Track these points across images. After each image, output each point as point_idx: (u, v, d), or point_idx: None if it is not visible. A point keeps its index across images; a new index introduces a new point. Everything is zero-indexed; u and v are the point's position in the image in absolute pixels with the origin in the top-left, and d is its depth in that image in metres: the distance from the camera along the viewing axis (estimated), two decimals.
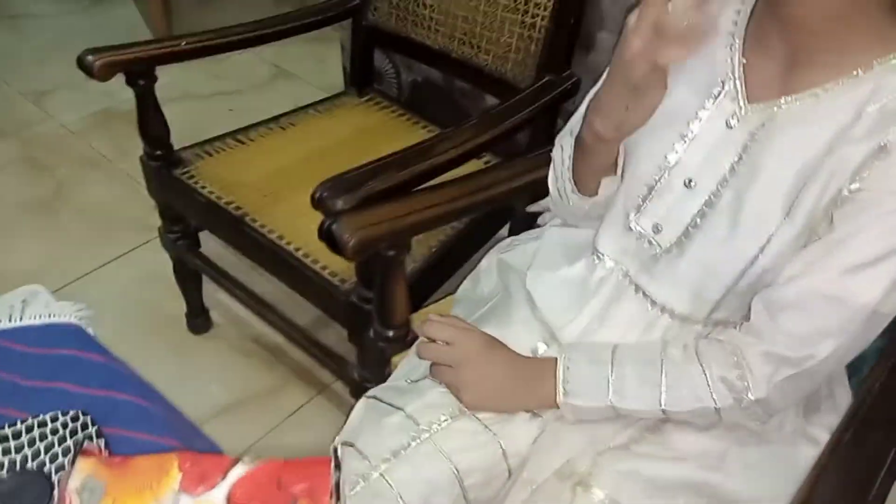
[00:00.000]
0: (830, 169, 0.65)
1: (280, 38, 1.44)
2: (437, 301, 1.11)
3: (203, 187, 1.29)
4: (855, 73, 0.64)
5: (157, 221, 1.43)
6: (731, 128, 0.71)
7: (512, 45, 1.32)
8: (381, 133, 1.47)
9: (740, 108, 0.70)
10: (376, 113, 1.53)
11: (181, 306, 1.57)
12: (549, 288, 0.83)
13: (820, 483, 0.67)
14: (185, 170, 1.32)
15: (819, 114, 0.66)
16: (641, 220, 0.76)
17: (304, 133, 1.44)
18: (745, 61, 0.71)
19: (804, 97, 0.67)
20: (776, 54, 0.68)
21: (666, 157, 0.73)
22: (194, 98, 2.26)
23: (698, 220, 0.72)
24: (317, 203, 0.91)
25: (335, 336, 1.29)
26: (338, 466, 0.52)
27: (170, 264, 1.49)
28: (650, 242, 0.76)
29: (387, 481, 0.72)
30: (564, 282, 0.82)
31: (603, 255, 0.80)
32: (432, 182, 0.99)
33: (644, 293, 0.77)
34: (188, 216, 1.39)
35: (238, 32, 1.39)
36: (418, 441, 0.74)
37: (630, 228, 0.77)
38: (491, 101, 1.47)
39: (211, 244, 1.44)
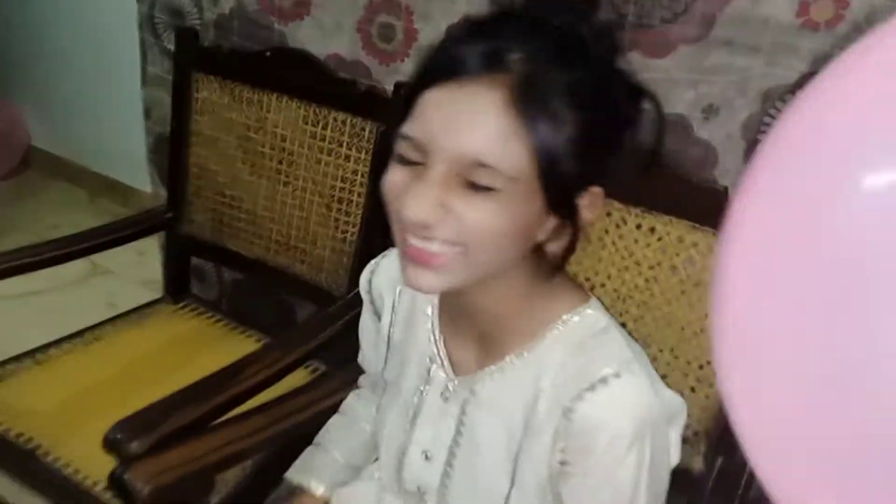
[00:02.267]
0: (532, 440, 0.69)
1: (92, 253, 1.43)
2: None
3: None
4: (542, 333, 0.70)
5: None
6: (447, 400, 0.76)
7: (325, 257, 1.39)
8: (195, 344, 1.45)
9: (450, 381, 0.76)
10: (192, 321, 1.51)
11: None
12: None
13: None
14: None
15: (509, 388, 0.71)
16: (406, 484, 0.81)
17: (110, 348, 1.39)
18: (443, 338, 0.77)
19: (499, 368, 0.72)
20: (468, 331, 0.74)
21: (405, 431, 0.79)
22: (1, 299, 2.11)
23: (444, 489, 0.77)
24: (109, 446, 0.87)
25: None
26: None
27: None
28: (422, 501, 0.81)
29: None
30: None
31: None
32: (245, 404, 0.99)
33: None
34: None
35: (45, 250, 1.36)
36: None
37: (404, 490, 0.82)
38: (312, 309, 1.51)
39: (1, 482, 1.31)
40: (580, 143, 0.59)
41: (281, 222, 1.42)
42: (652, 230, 1.03)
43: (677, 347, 1.05)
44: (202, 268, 1.79)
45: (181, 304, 1.55)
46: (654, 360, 1.06)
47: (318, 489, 0.89)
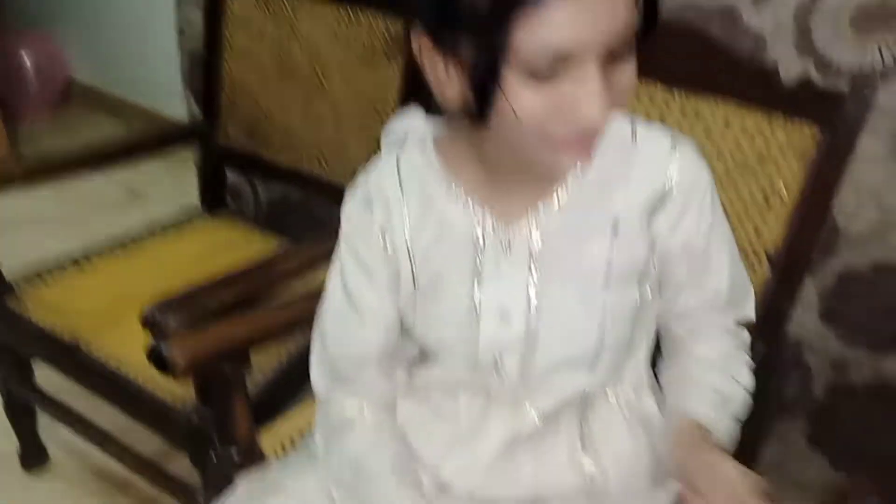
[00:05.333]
0: (625, 243, 0.72)
1: (128, 162, 1.43)
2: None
3: (36, 317, 1.22)
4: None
5: None
6: (508, 252, 0.72)
7: (359, 166, 1.37)
8: (232, 251, 1.45)
9: (505, 232, 0.72)
10: (229, 232, 1.52)
11: (13, 442, 1.43)
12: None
13: None
14: (17, 299, 1.24)
15: (576, 213, 0.71)
16: (479, 361, 0.75)
17: (149, 255, 1.41)
18: (479, 198, 0.72)
19: (554, 195, 0.71)
20: (508, 181, 0.71)
21: (469, 308, 0.74)
22: (40, 223, 2.15)
23: (530, 346, 0.73)
24: (147, 324, 0.88)
25: (183, 465, 1.21)
26: None
27: None
28: (497, 373, 0.76)
29: None
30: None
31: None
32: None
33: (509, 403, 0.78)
34: (19, 347, 1.30)
35: (84, 156, 1.36)
36: None
37: (474, 370, 0.76)
38: None
39: (46, 373, 1.35)
40: None
41: (315, 132, 1.40)
42: (697, 114, 0.99)
43: None
44: (238, 186, 1.80)
45: (218, 218, 1.56)
46: None
47: None
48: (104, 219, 2.26)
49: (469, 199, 0.73)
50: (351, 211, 0.78)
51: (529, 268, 0.72)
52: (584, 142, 0.61)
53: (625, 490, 0.78)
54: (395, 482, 0.75)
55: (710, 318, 0.81)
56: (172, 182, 2.37)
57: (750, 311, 0.83)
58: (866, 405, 1.31)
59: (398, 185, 0.75)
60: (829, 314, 1.27)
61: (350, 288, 0.78)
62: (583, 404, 0.78)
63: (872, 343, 1.26)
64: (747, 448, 0.83)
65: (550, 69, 0.55)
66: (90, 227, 2.17)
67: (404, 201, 0.75)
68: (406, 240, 0.75)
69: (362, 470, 0.77)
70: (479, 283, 0.73)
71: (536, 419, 0.77)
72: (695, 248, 0.75)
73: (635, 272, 0.73)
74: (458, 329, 0.75)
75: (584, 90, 0.56)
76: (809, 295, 1.26)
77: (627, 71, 0.59)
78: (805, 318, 1.27)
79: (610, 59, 0.57)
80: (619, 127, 0.71)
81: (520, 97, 0.57)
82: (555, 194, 0.72)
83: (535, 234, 0.72)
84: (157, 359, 0.82)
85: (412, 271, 0.75)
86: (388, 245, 0.75)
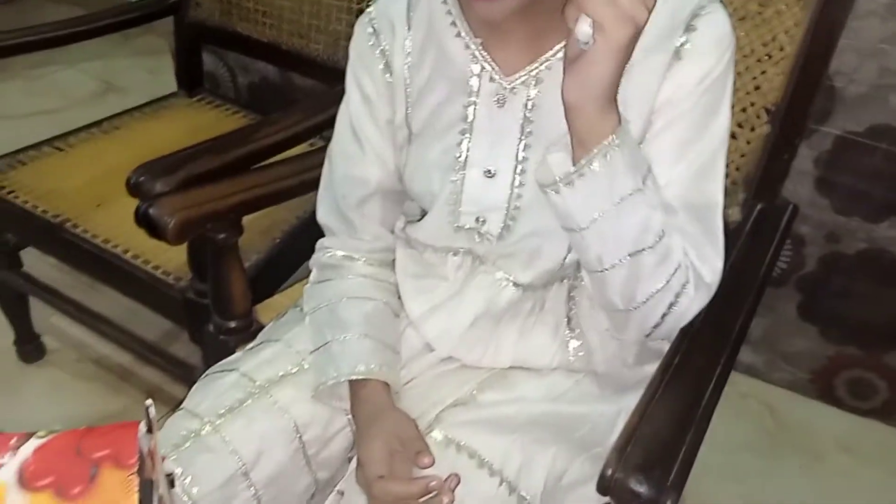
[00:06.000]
0: (629, 93, 0.63)
1: (95, 36, 1.36)
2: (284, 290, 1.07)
3: (17, 197, 1.18)
4: None
5: None
6: (503, 105, 0.69)
7: (341, 32, 1.31)
8: (213, 131, 1.39)
9: (503, 82, 0.69)
10: (209, 112, 1.47)
11: (8, 334, 1.43)
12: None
13: (654, 402, 0.70)
14: None
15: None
16: (462, 218, 0.73)
17: (129, 136, 1.36)
18: (481, 43, 0.69)
19: (560, 49, 0.66)
20: (512, 29, 0.67)
21: (457, 158, 0.71)
22: (9, 118, 2.08)
23: (514, 208, 0.71)
24: (133, 187, 0.85)
25: (187, 348, 1.22)
26: (150, 430, 0.47)
27: None
28: (480, 234, 0.74)
29: (220, 435, 0.69)
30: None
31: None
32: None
33: (490, 270, 0.76)
34: (3, 231, 1.27)
35: (46, 31, 1.29)
36: (255, 396, 0.72)
37: (457, 228, 0.74)
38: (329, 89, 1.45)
39: (38, 263, 1.33)
40: None
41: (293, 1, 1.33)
42: None
43: None
44: (215, 72, 1.73)
45: (197, 98, 1.50)
46: None
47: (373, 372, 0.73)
48: (79, 111, 2.19)
49: (471, 39, 0.70)
50: (357, 39, 0.76)
51: (522, 127, 0.69)
52: None
53: (608, 370, 0.77)
54: (359, 334, 0.75)
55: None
56: (147, 72, 2.29)
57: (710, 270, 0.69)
58: (859, 275, 1.32)
59: (406, 13, 0.72)
60: (824, 183, 1.26)
61: (353, 120, 0.77)
62: (571, 284, 0.76)
63: (866, 211, 1.26)
64: (740, 318, 0.82)
65: None
66: (64, 119, 2.11)
67: (409, 33, 0.72)
68: (405, 75, 0.73)
69: (336, 312, 0.77)
70: (469, 133, 0.71)
71: (514, 290, 0.75)
72: (682, 100, 0.65)
73: (640, 132, 0.67)
74: (442, 181, 0.73)
75: None
76: (804, 163, 1.25)
77: None
78: (800, 189, 1.27)
79: None
80: None
81: None
82: (558, 48, 0.66)
83: (533, 92, 0.68)
84: (147, 221, 0.80)
85: (406, 111, 0.74)
86: (389, 75, 0.73)
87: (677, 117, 0.65)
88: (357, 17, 1.25)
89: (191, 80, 1.52)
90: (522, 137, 0.69)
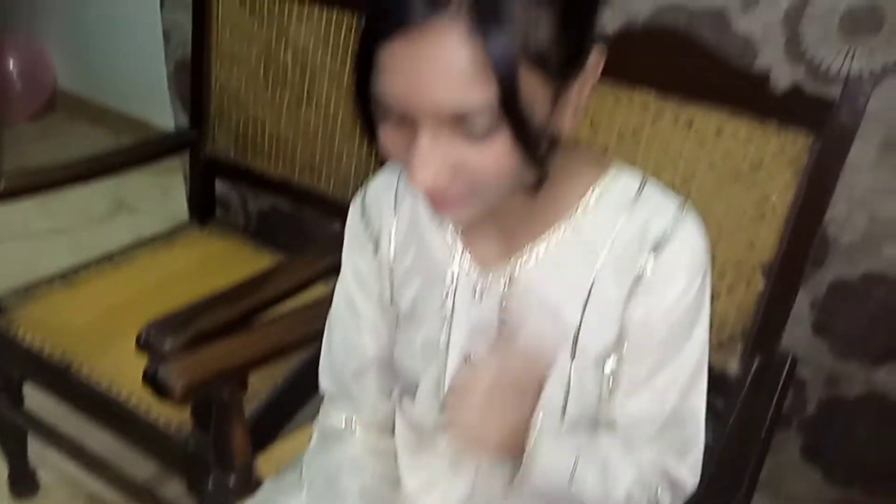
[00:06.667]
0: (596, 313, 0.67)
1: (115, 173, 1.42)
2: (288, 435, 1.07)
3: (25, 336, 1.20)
4: (573, 210, 0.67)
5: None
6: (481, 296, 0.71)
7: (351, 173, 1.37)
8: (223, 264, 1.44)
9: (481, 275, 0.71)
10: (219, 243, 1.51)
11: (2, 468, 1.41)
12: None
13: None
14: (6, 318, 1.23)
15: (554, 268, 0.67)
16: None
17: (139, 269, 1.39)
18: (461, 236, 0.72)
19: (538, 251, 0.68)
20: (489, 225, 0.69)
21: (438, 345, 0.73)
22: (25, 237, 2.13)
23: None
24: (143, 345, 0.87)
25: (178, 489, 1.20)
26: None
27: None
28: None
29: None
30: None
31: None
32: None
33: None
34: (8, 368, 1.28)
35: (69, 169, 1.35)
36: None
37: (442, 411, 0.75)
38: (340, 227, 1.50)
39: (36, 396, 1.33)
40: (564, 19, 0.53)
41: (305, 139, 1.39)
42: (689, 123, 0.99)
43: (715, 247, 1.01)
44: (227, 196, 1.78)
45: (208, 229, 1.54)
46: None
47: None
48: (92, 231, 2.25)
49: (452, 232, 0.72)
50: (350, 219, 0.79)
51: (499, 317, 0.71)
52: (429, 198, 0.59)
53: None
54: None
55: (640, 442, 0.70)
56: (160, 192, 2.36)
57: (689, 469, 0.71)
58: (860, 418, 1.31)
59: (394, 200, 0.75)
60: (822, 326, 1.27)
61: (348, 295, 0.79)
62: None
63: (864, 355, 1.26)
64: (748, 465, 0.82)
65: (397, 116, 0.55)
66: (78, 239, 2.17)
67: (395, 219, 0.75)
68: (391, 260, 0.75)
69: (334, 484, 0.77)
70: (449, 322, 0.73)
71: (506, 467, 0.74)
72: (652, 328, 0.66)
73: (605, 346, 0.68)
74: (426, 367, 0.75)
75: (415, 151, 0.55)
76: (801, 307, 1.27)
77: (485, 152, 0.54)
78: (797, 331, 1.28)
79: (463, 132, 0.54)
80: (625, 184, 0.67)
81: (383, 131, 0.57)
82: (537, 246, 0.68)
83: (507, 289, 0.70)
84: (155, 383, 0.81)
85: (391, 293, 0.76)
86: (378, 256, 0.76)
87: (647, 344, 0.67)
88: (366, 159, 1.33)
89: (203, 209, 1.57)
90: (499, 326, 0.71)
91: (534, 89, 0.53)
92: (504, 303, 0.70)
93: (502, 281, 0.70)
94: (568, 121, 0.59)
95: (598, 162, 0.69)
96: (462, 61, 0.50)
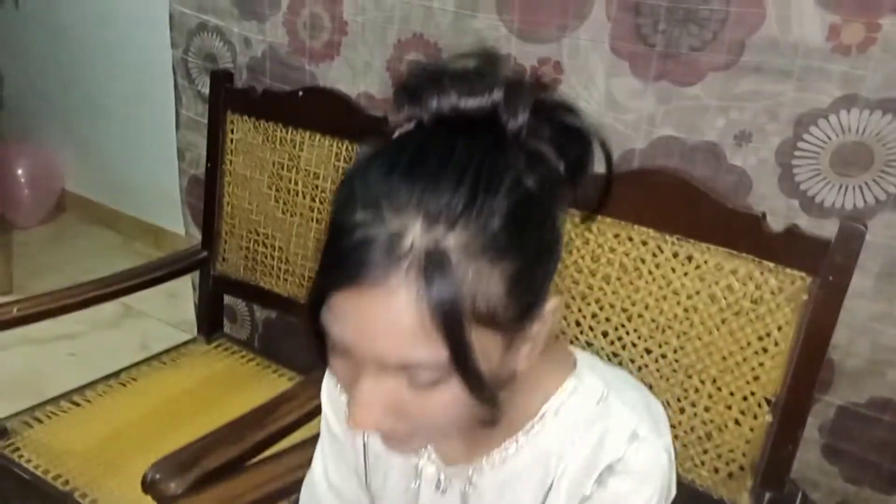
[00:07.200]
0: None
1: (127, 294, 1.45)
2: None
3: (28, 461, 1.19)
4: (532, 422, 0.66)
5: None
6: (444, 492, 0.71)
7: None
8: (229, 382, 1.45)
9: (443, 472, 0.71)
10: (225, 360, 1.52)
11: None
12: None
13: None
14: (10, 442, 1.22)
15: (512, 475, 0.67)
16: None
17: (146, 388, 1.40)
18: None
19: (497, 456, 0.68)
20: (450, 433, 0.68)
21: None
22: (32, 343, 2.14)
23: None
24: (149, 486, 0.87)
25: None
26: None
27: None
28: None
29: None
30: None
31: None
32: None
33: None
34: (9, 496, 1.27)
35: (80, 290, 1.37)
36: None
37: None
38: None
39: None
40: (516, 280, 0.53)
41: (313, 259, 1.43)
42: (689, 258, 1.02)
43: (720, 378, 1.03)
44: (234, 308, 1.80)
45: (214, 344, 1.56)
46: (695, 391, 1.05)
47: None
48: (100, 336, 2.26)
49: None
50: (327, 386, 0.78)
51: None
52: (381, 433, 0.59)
53: None
54: None
55: None
56: (167, 296, 2.38)
57: None
58: None
59: None
60: (832, 451, 1.26)
61: (326, 464, 0.79)
62: None
63: (876, 481, 1.25)
64: None
65: (343, 352, 0.54)
66: (86, 344, 2.18)
67: None
68: (364, 442, 0.76)
69: None
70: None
71: None
72: None
73: None
74: None
75: (356, 393, 0.55)
76: (811, 431, 1.26)
77: (433, 399, 0.54)
78: (808, 455, 1.27)
79: (409, 380, 0.54)
80: (585, 397, 0.66)
81: (332, 359, 0.57)
82: (496, 454, 0.68)
83: (467, 488, 0.70)
84: None
85: (365, 471, 0.76)
86: (353, 439, 0.76)
87: None
88: None
89: (210, 326, 1.59)
90: None
91: (485, 344, 0.53)
92: (466, 500, 0.70)
93: (464, 478, 0.70)
94: (524, 361, 0.59)
95: (562, 368, 0.67)
96: (410, 321, 0.50)
